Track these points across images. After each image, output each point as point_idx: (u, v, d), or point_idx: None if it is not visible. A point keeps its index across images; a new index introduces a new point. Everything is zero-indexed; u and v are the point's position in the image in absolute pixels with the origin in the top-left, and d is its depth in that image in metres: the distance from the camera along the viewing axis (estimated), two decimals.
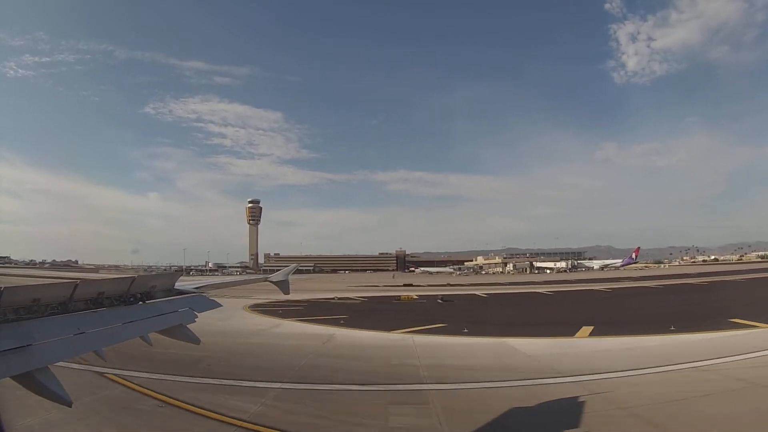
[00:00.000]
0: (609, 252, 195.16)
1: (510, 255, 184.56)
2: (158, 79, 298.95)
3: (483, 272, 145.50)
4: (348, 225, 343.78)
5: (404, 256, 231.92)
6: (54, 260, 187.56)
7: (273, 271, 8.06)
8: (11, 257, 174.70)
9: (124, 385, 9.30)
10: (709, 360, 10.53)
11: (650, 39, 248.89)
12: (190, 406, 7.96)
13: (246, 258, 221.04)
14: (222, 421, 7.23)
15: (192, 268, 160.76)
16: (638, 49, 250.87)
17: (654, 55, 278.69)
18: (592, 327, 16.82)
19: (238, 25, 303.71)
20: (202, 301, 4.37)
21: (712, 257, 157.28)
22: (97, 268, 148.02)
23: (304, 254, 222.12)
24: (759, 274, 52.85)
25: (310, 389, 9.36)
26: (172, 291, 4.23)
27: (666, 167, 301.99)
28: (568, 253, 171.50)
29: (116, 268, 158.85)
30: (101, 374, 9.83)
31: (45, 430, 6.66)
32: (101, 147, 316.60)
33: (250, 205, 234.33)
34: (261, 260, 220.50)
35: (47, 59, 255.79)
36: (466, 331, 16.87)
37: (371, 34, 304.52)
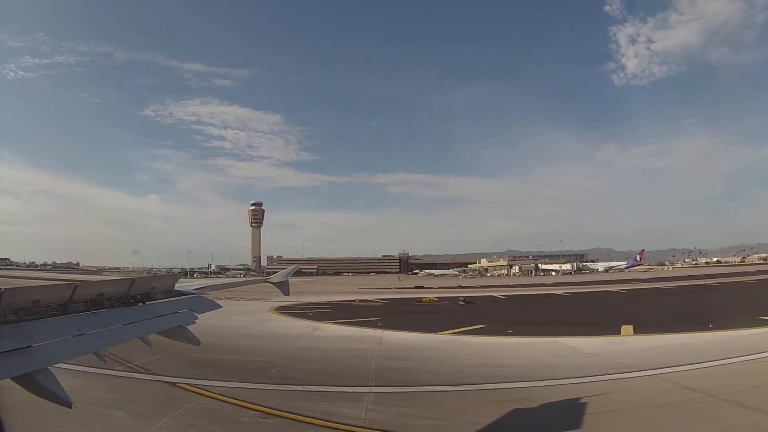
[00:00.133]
0: (609, 254, 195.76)
1: (513, 257, 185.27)
2: (158, 81, 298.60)
3: (488, 274, 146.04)
4: (348, 227, 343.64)
5: (407, 259, 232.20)
6: (54, 262, 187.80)
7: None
8: (11, 259, 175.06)
9: (206, 395, 8.91)
10: (762, 353, 11.23)
11: (650, 41, 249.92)
12: (296, 416, 7.71)
13: (248, 260, 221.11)
14: (345, 430, 7.14)
15: (195, 270, 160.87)
16: (638, 51, 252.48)
17: (654, 57, 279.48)
18: (631, 326, 17.45)
19: (238, 26, 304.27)
20: (202, 303, 4.41)
21: (714, 259, 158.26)
22: (100, 270, 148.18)
23: (306, 256, 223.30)
24: (767, 275, 53.61)
25: (402, 392, 9.38)
26: (172, 292, 4.27)
27: (666, 168, 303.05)
28: (570, 255, 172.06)
29: (117, 270, 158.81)
30: (173, 384, 9.69)
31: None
32: (101, 148, 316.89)
33: (252, 207, 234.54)
34: (264, 263, 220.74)
35: (47, 61, 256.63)
36: (510, 331, 17.26)
37: (371, 34, 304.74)
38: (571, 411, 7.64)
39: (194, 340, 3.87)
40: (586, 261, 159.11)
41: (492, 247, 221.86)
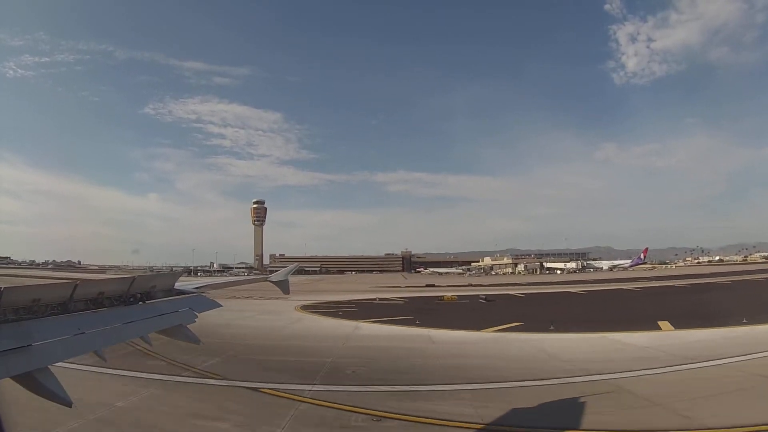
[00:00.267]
0: (609, 253, 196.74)
1: (516, 256, 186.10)
2: (158, 80, 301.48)
3: (493, 273, 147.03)
4: (348, 226, 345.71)
5: (410, 257, 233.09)
6: (54, 261, 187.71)
7: None
8: (12, 258, 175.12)
9: (301, 401, 8.67)
10: None
11: (650, 40, 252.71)
12: (409, 417, 7.65)
13: (250, 259, 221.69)
14: (464, 428, 7.18)
15: (198, 268, 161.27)
16: (638, 49, 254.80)
17: (654, 56, 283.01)
18: (667, 321, 18.15)
19: (238, 25, 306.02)
20: (202, 301, 4.41)
21: (717, 258, 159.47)
22: (102, 269, 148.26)
23: (308, 255, 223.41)
24: None
25: (493, 389, 9.49)
26: (172, 291, 4.26)
27: (665, 168, 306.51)
28: (570, 254, 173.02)
29: (119, 268, 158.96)
30: (255, 390, 9.53)
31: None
32: (101, 147, 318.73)
33: (255, 205, 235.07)
34: (266, 261, 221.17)
35: (47, 59, 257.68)
36: (552, 328, 17.74)
37: (371, 34, 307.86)
38: (670, 398, 8.12)
39: (194, 339, 3.86)
40: (589, 259, 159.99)
41: (493, 246, 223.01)
